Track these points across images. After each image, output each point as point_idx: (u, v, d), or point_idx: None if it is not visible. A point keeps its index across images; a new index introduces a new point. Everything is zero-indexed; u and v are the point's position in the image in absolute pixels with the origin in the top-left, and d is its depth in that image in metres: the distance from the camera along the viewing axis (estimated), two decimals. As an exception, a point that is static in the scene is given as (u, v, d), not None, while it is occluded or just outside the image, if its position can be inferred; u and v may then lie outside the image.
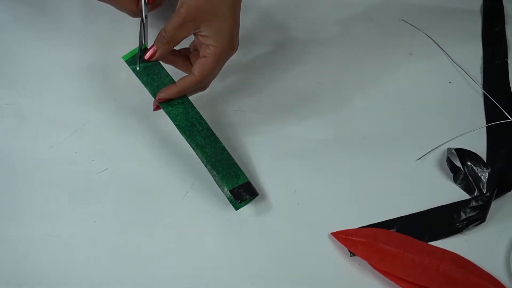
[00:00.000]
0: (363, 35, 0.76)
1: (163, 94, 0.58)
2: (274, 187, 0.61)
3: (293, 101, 0.68)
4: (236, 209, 0.57)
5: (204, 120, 0.59)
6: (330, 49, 0.74)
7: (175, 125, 0.58)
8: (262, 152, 0.63)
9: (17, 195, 0.59)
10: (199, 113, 0.59)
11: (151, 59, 0.58)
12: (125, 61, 0.59)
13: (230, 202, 0.57)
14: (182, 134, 0.58)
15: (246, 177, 0.58)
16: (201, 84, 0.59)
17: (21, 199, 0.58)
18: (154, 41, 0.57)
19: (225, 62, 0.60)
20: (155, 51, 0.58)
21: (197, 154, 0.58)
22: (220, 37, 0.56)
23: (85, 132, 0.64)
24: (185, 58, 0.62)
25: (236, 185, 0.57)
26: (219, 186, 0.57)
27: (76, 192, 0.59)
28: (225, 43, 0.57)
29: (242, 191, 0.57)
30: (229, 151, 0.59)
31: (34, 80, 0.67)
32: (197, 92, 0.61)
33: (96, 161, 0.61)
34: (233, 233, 0.58)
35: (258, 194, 0.59)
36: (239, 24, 0.58)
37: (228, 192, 0.56)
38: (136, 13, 0.61)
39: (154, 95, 0.59)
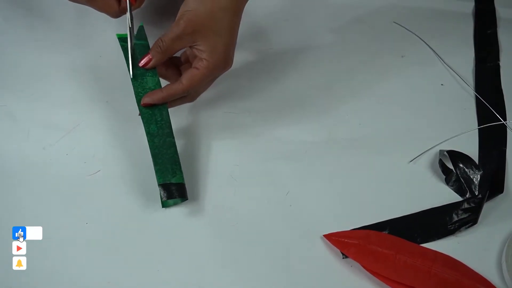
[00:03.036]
0: (355, 37, 0.76)
1: (148, 99, 0.58)
2: (267, 189, 0.61)
3: (285, 104, 0.68)
4: (163, 205, 0.58)
5: (167, 112, 0.59)
6: (322, 52, 0.74)
7: (138, 107, 0.58)
8: (254, 154, 0.63)
9: (8, 197, 0.58)
10: (165, 105, 0.59)
11: (145, 67, 0.59)
12: (118, 38, 0.60)
13: (160, 197, 0.57)
14: (142, 119, 0.58)
15: (183, 179, 0.58)
16: (187, 93, 0.59)
17: (12, 201, 0.58)
18: (150, 50, 0.58)
19: (217, 77, 0.60)
20: (150, 60, 0.58)
21: (148, 142, 0.58)
22: (216, 53, 0.56)
23: (77, 134, 0.63)
24: (176, 70, 0.62)
25: (168, 182, 0.57)
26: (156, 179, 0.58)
27: (68, 194, 0.59)
28: (220, 60, 0.57)
29: (173, 189, 0.56)
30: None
31: (26, 81, 0.67)
32: (184, 102, 0.62)
33: (88, 163, 0.61)
34: (225, 236, 0.57)
35: (187, 199, 0.58)
36: (236, 42, 0.59)
37: (159, 186, 0.56)
38: (117, 14, 0.62)
39: (136, 93, 0.59)
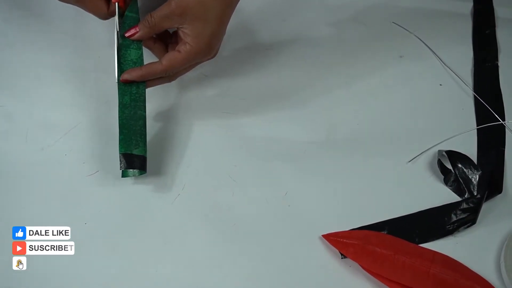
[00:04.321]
0: (354, 37, 0.76)
1: (127, 76, 0.59)
2: (265, 189, 0.61)
3: (284, 104, 0.68)
4: (122, 175, 0.58)
5: (143, 86, 0.60)
6: (320, 52, 0.74)
7: (116, 78, 0.59)
8: (252, 154, 0.63)
9: (8, 197, 0.58)
10: (144, 81, 0.60)
11: (131, 38, 0.60)
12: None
13: (120, 167, 0.57)
14: (118, 90, 0.59)
15: (145, 152, 0.58)
16: (165, 74, 0.60)
17: (12, 201, 0.58)
18: (139, 23, 0.59)
19: (198, 63, 0.61)
20: (136, 32, 0.59)
21: (118, 113, 0.58)
22: (200, 40, 0.57)
23: (75, 134, 0.63)
24: (163, 46, 0.63)
25: (130, 152, 0.57)
26: None
27: (66, 195, 0.59)
28: (202, 47, 0.58)
29: (133, 160, 0.57)
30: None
31: (25, 82, 0.67)
32: (163, 82, 0.62)
33: (86, 163, 0.61)
34: (223, 236, 0.58)
35: (146, 172, 0.58)
36: (224, 33, 0.59)
37: (119, 155, 0.57)
38: (106, 16, 0.62)
39: (118, 61, 0.60)
